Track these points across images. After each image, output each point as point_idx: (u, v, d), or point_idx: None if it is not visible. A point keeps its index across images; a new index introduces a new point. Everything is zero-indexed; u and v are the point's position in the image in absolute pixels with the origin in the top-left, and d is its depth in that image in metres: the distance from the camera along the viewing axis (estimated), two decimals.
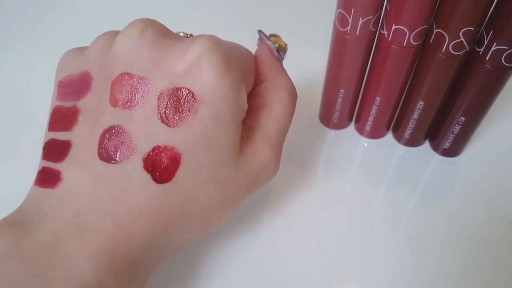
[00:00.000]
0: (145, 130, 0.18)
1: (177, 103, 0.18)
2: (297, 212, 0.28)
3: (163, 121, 0.18)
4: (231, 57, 0.19)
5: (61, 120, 0.19)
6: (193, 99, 0.18)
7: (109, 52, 0.19)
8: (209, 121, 0.18)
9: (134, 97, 0.18)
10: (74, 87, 0.19)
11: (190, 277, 0.25)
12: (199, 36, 0.19)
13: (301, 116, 0.34)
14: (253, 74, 0.23)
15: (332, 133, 0.33)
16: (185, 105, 0.18)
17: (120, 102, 0.18)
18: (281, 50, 0.23)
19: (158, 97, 0.18)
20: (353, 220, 0.27)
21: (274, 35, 0.24)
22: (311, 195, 0.29)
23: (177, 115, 0.18)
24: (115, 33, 0.19)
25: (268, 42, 0.23)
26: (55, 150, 0.19)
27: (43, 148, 0.19)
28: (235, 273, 0.25)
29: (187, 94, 0.18)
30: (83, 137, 0.18)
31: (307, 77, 0.35)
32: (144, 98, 0.18)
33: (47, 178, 0.18)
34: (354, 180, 0.30)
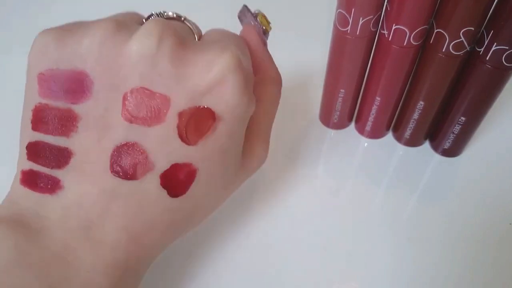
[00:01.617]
0: (164, 149, 0.17)
1: (197, 121, 0.18)
2: (297, 212, 0.28)
3: (182, 140, 0.18)
4: (248, 70, 0.19)
5: (51, 121, 0.17)
6: (213, 118, 0.18)
7: (116, 56, 0.17)
8: (225, 137, 0.19)
9: (153, 115, 0.17)
10: (63, 85, 0.17)
11: (192, 278, 0.25)
12: (222, 51, 0.18)
13: (301, 116, 0.34)
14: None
15: (332, 133, 0.33)
16: (205, 124, 0.18)
17: (136, 118, 0.17)
18: (266, 33, 0.23)
19: (179, 116, 0.17)
20: (353, 220, 0.27)
21: (260, 13, 0.22)
22: (311, 195, 0.29)
23: (197, 133, 0.18)
24: (115, 27, 0.17)
25: (255, 23, 0.22)
26: (49, 155, 0.17)
27: (28, 148, 0.18)
28: (234, 273, 0.25)
29: (208, 113, 0.18)
30: (88, 148, 0.17)
31: (307, 77, 0.35)
32: (163, 116, 0.17)
33: (41, 182, 0.17)
34: (354, 180, 0.30)
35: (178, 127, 0.17)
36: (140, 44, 0.17)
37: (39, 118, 0.18)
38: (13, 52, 0.39)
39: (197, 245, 0.26)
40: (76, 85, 0.17)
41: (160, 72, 0.17)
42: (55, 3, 0.44)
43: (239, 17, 0.23)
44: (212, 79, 0.18)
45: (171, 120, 0.17)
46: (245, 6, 0.23)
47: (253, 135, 0.21)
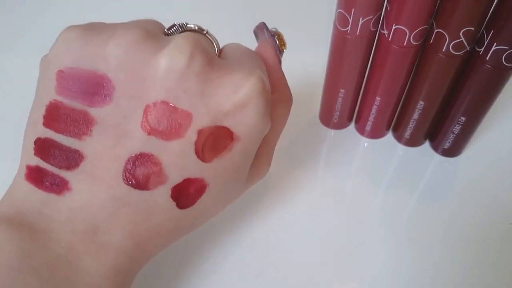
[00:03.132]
0: (179, 163, 0.17)
1: (215, 140, 0.18)
2: (297, 212, 0.28)
3: (198, 156, 0.18)
4: (269, 93, 0.19)
5: (64, 121, 0.17)
6: (231, 138, 0.18)
7: (142, 66, 0.17)
8: (239, 157, 0.19)
9: (172, 130, 0.17)
10: (82, 85, 0.17)
11: (189, 276, 0.25)
12: (249, 74, 0.18)
13: (301, 116, 0.34)
14: None
15: (332, 133, 0.33)
16: (222, 143, 0.18)
17: (155, 131, 0.17)
18: (281, 52, 0.23)
19: (198, 133, 0.17)
20: (353, 220, 0.27)
21: (277, 32, 0.23)
22: (311, 195, 0.29)
23: (213, 152, 0.18)
24: (144, 35, 0.17)
25: (272, 41, 0.22)
26: (58, 155, 0.17)
27: (36, 143, 0.17)
28: (234, 273, 0.25)
29: (227, 133, 0.18)
30: (101, 153, 0.17)
31: (307, 77, 0.35)
32: (183, 132, 0.17)
33: (48, 181, 0.17)
34: (354, 180, 0.30)
35: (196, 143, 0.17)
36: (171, 59, 0.17)
37: (53, 116, 0.17)
38: (13, 52, 0.39)
39: (198, 246, 0.26)
40: (96, 88, 0.17)
41: (186, 88, 0.17)
42: (54, 2, 0.44)
43: (254, 32, 0.23)
44: (238, 102, 0.18)
45: (190, 136, 0.17)
46: (263, 23, 0.23)
47: (260, 152, 0.21)
